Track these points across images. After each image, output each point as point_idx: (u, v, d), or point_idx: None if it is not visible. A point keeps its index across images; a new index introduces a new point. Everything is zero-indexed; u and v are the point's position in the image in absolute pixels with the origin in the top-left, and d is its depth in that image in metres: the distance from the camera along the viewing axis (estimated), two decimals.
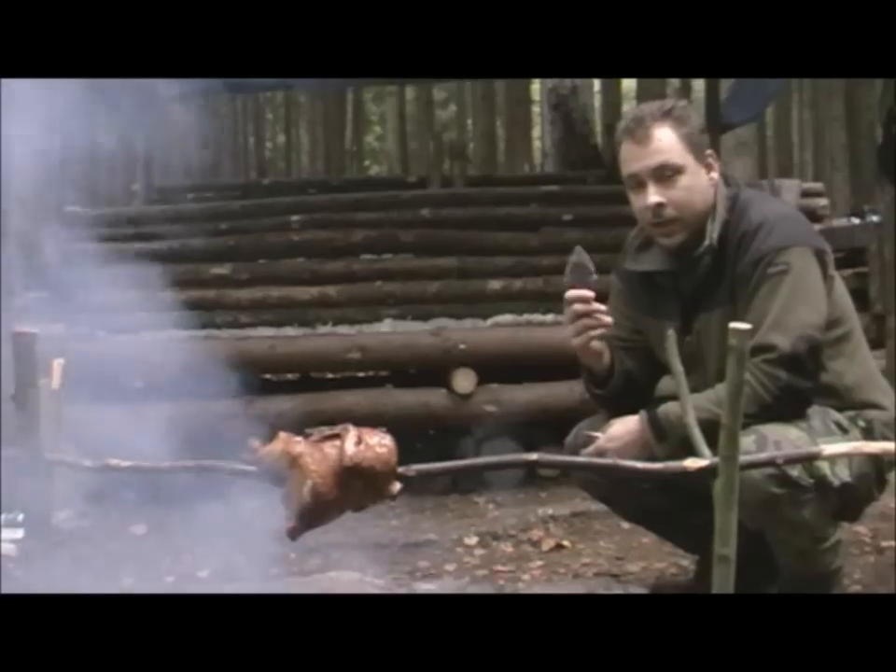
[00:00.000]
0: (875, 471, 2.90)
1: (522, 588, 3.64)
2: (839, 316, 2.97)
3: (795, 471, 2.69)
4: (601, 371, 3.09)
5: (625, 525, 4.10)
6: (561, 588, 3.56)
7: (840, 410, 2.92)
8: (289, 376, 6.51)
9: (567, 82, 9.02)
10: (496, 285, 6.03)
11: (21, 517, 3.79)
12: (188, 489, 3.12)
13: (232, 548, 3.88)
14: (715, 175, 2.99)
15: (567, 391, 5.30)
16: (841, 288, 3.03)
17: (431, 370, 5.66)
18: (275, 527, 2.22)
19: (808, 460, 2.58)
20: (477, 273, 6.12)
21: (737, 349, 1.85)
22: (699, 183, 2.95)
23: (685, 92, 20.63)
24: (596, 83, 18.85)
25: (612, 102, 20.82)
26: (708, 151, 3.00)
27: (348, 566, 3.76)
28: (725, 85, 7.19)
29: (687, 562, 3.65)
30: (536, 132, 23.28)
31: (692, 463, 1.96)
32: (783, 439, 2.71)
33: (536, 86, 17.36)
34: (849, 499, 2.87)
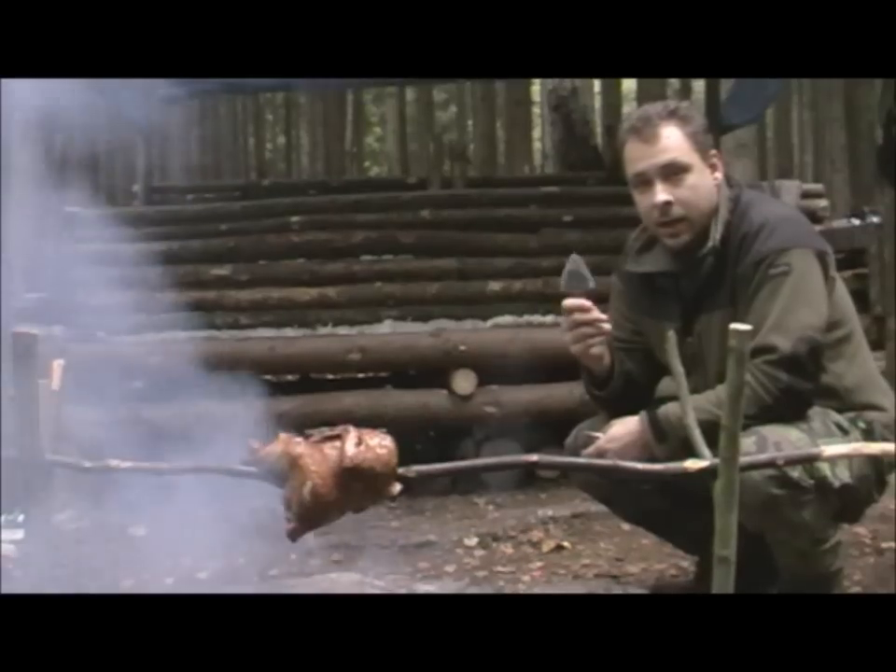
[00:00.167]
0: (875, 473, 2.90)
1: (522, 589, 3.64)
2: (840, 318, 2.97)
3: (796, 472, 2.69)
4: (601, 372, 3.09)
5: (625, 526, 4.10)
6: (561, 589, 3.56)
7: (840, 411, 2.91)
8: (289, 377, 6.51)
9: (568, 84, 9.03)
10: (496, 286, 6.03)
11: (21, 518, 3.79)
12: (188, 490, 3.12)
13: (232, 549, 3.88)
14: (719, 175, 2.99)
15: (567, 392, 5.30)
16: (842, 290, 3.02)
17: (431, 371, 5.66)
18: (275, 528, 2.22)
19: (808, 461, 2.58)
20: (477, 275, 6.12)
21: (737, 350, 1.85)
22: (705, 182, 2.95)
23: (685, 94, 20.65)
24: (596, 85, 18.86)
25: (612, 103, 20.81)
26: (713, 151, 3.00)
27: (348, 567, 3.76)
28: (725, 86, 7.19)
29: (687, 563, 3.64)
30: (536, 133, 23.29)
31: (692, 464, 1.96)
32: (783, 440, 2.70)
33: (536, 87, 17.36)
34: (849, 501, 2.87)
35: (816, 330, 2.83)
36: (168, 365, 4.56)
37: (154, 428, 4.49)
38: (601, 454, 2.96)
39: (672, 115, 2.94)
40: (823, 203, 7.83)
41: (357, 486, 2.06)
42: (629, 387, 3.10)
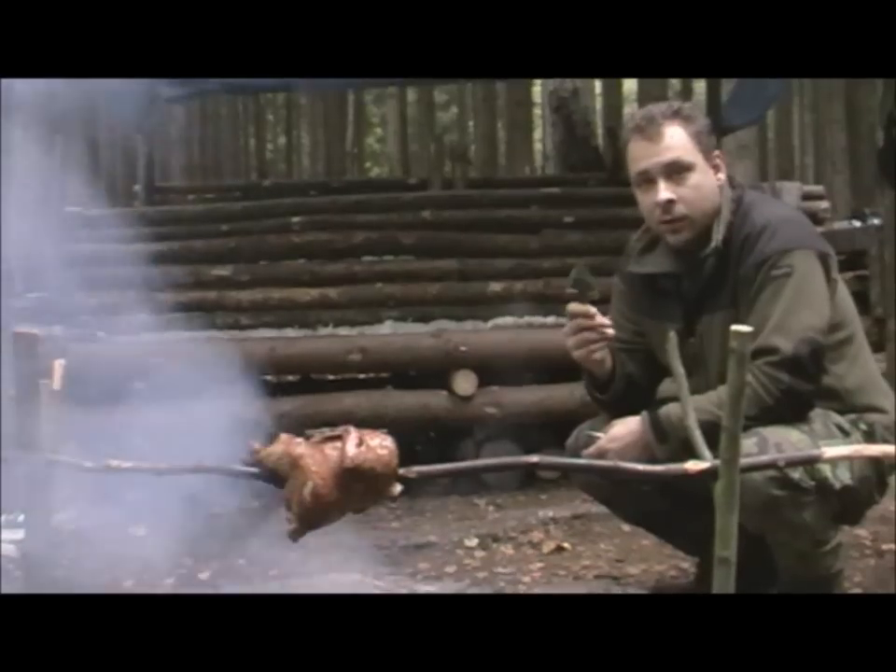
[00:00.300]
0: (875, 475, 2.90)
1: (522, 590, 3.64)
2: (841, 320, 2.97)
3: (797, 474, 2.69)
4: (603, 375, 3.09)
5: (626, 527, 4.10)
6: (561, 590, 3.56)
7: (841, 413, 2.91)
8: (290, 378, 6.51)
9: (569, 85, 9.03)
10: (496, 287, 6.03)
11: (21, 518, 3.78)
12: (188, 490, 3.12)
13: (233, 549, 3.87)
14: (722, 175, 3.00)
15: (568, 393, 5.30)
16: (844, 292, 3.02)
17: (432, 371, 5.66)
18: (276, 529, 2.22)
19: (809, 463, 2.57)
20: (478, 276, 6.12)
21: (738, 352, 1.85)
22: (708, 182, 2.95)
23: (686, 95, 20.66)
24: (598, 86, 18.87)
25: (613, 104, 20.84)
26: (716, 152, 3.00)
27: (349, 567, 3.75)
28: (726, 88, 7.19)
29: (687, 564, 3.64)
30: (537, 134, 23.31)
31: (692, 465, 1.96)
32: (784, 441, 2.70)
33: (537, 88, 17.37)
34: (850, 502, 2.87)
35: (817, 332, 2.83)
36: (168, 365, 4.56)
37: (154, 428, 4.49)
38: (602, 454, 2.96)
39: (676, 114, 2.94)
40: (824, 204, 7.85)
41: (358, 487, 2.06)
42: (630, 389, 3.10)
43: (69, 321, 5.30)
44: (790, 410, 2.79)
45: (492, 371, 5.56)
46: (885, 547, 3.82)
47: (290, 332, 5.88)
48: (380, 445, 2.07)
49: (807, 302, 2.83)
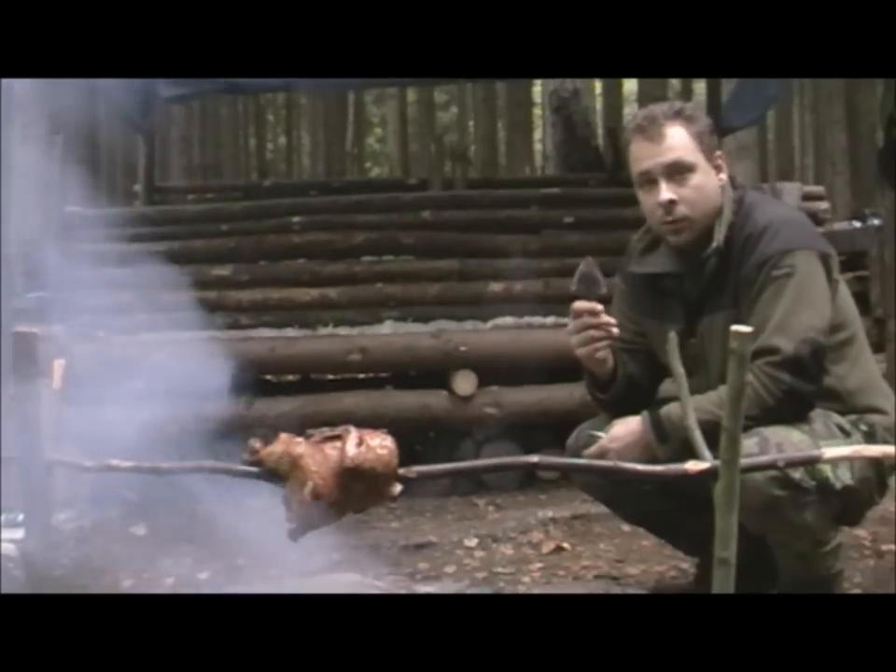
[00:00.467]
0: (876, 475, 2.90)
1: (522, 590, 3.64)
2: (843, 321, 2.97)
3: (797, 473, 2.69)
4: (604, 375, 3.09)
5: (626, 527, 4.10)
6: (561, 590, 3.56)
7: (842, 414, 2.91)
8: (290, 377, 6.50)
9: (569, 85, 9.03)
10: (496, 287, 6.02)
11: (21, 517, 3.78)
12: (188, 490, 3.12)
13: (233, 549, 3.87)
14: (724, 176, 3.00)
15: (568, 394, 5.30)
16: (845, 292, 3.02)
17: (432, 372, 5.66)
18: (276, 529, 2.21)
19: (809, 464, 2.57)
20: (478, 276, 6.11)
21: (738, 352, 1.85)
22: (709, 183, 2.95)
23: (686, 96, 20.64)
24: (598, 86, 18.87)
25: (614, 105, 20.83)
26: (718, 153, 3.00)
27: (348, 567, 3.75)
28: (726, 88, 7.19)
29: (687, 565, 3.64)
30: (537, 134, 23.28)
31: (692, 466, 1.96)
32: (785, 441, 2.70)
33: (537, 88, 17.37)
34: (851, 503, 2.87)
35: (818, 332, 2.83)
36: (168, 365, 4.55)
37: (154, 428, 4.49)
38: (603, 453, 2.96)
39: (678, 115, 2.94)
40: (824, 205, 7.83)
41: (358, 487, 2.06)
42: (631, 389, 3.10)
43: (69, 321, 5.30)
44: (791, 410, 2.79)
45: (492, 371, 5.56)
46: (884, 548, 3.82)
47: (290, 332, 5.87)
48: (380, 445, 2.07)
49: (809, 303, 2.83)
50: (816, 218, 6.71)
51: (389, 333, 5.82)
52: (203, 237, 6.39)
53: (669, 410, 2.88)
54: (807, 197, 7.88)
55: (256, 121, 27.99)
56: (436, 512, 5.13)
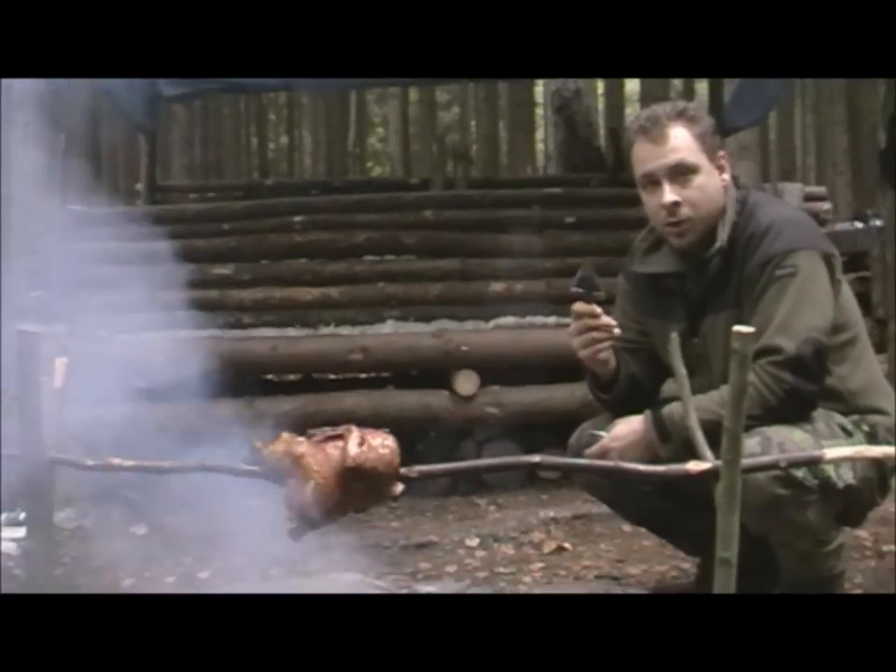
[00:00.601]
0: (877, 476, 2.90)
1: (523, 590, 3.64)
2: (845, 321, 2.97)
3: (800, 472, 2.69)
4: (607, 375, 3.09)
5: (627, 527, 4.10)
6: (562, 590, 3.56)
7: (844, 414, 2.91)
8: (291, 377, 6.50)
9: (571, 85, 9.03)
10: (498, 287, 6.02)
11: (22, 516, 3.78)
12: (189, 489, 3.12)
13: (233, 549, 3.87)
14: (727, 176, 3.00)
15: (569, 394, 5.31)
16: (848, 293, 3.02)
17: (433, 371, 5.66)
18: (277, 528, 2.21)
19: (810, 464, 2.57)
20: (479, 275, 6.11)
21: (740, 353, 1.85)
22: (712, 183, 2.95)
23: (688, 96, 20.65)
24: (600, 86, 18.87)
25: (616, 105, 20.86)
26: (721, 153, 3.00)
27: (349, 567, 3.75)
28: (728, 89, 7.19)
29: (688, 565, 3.64)
30: (539, 134, 23.28)
31: (694, 466, 1.96)
32: (787, 440, 2.70)
33: (539, 88, 17.36)
34: (852, 503, 2.87)
35: (821, 332, 2.83)
36: (170, 364, 4.56)
37: (156, 427, 4.49)
38: (604, 452, 2.96)
39: (681, 115, 2.94)
40: (826, 205, 7.84)
41: (360, 486, 2.06)
42: (634, 389, 3.10)
43: (71, 319, 5.30)
44: (793, 410, 2.79)
45: (493, 370, 5.56)
46: (885, 548, 3.82)
47: (292, 331, 5.87)
48: (382, 445, 2.07)
49: (811, 303, 2.83)
50: (817, 219, 6.69)
51: (391, 333, 5.82)
52: (205, 236, 6.38)
53: (671, 409, 2.88)
54: (809, 197, 7.89)
55: (257, 120, 28.01)
56: (437, 512, 5.13)
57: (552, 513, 4.61)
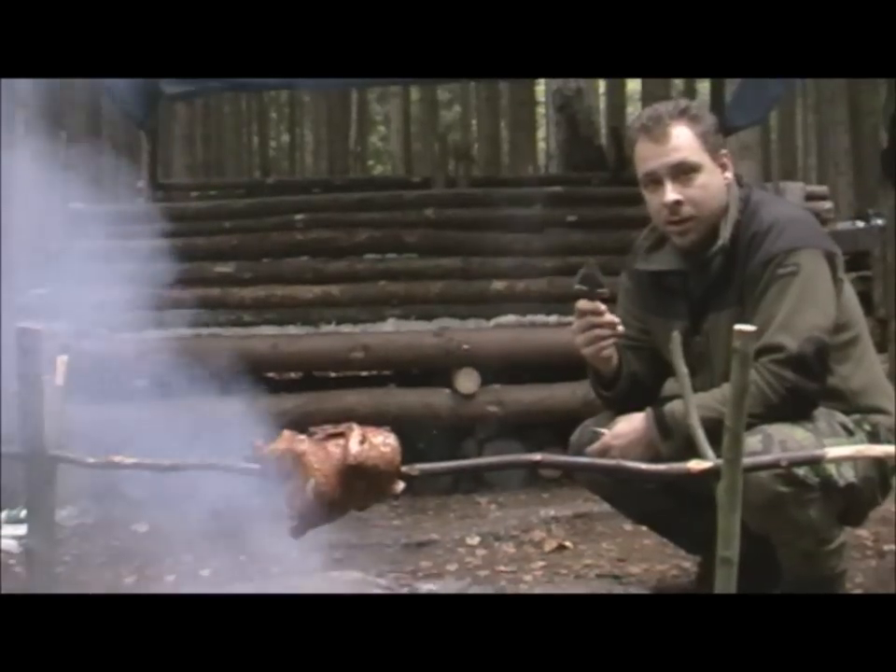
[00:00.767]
0: (879, 475, 2.90)
1: (523, 589, 3.64)
2: (847, 320, 2.97)
3: (801, 471, 2.69)
4: (609, 373, 3.09)
5: (628, 526, 4.10)
6: (563, 589, 3.56)
7: (846, 414, 2.91)
8: (292, 375, 6.50)
9: (572, 84, 9.03)
10: (499, 285, 6.02)
11: (23, 513, 3.78)
12: (190, 487, 3.12)
13: (234, 547, 3.88)
14: (729, 174, 3.00)
15: (570, 392, 5.30)
16: (850, 292, 3.02)
17: (434, 370, 5.66)
18: (278, 526, 2.22)
19: (811, 463, 2.57)
20: (480, 274, 6.11)
21: (741, 352, 1.85)
22: (715, 182, 2.95)
23: (690, 96, 20.63)
24: (601, 86, 18.87)
25: (617, 104, 20.85)
26: (723, 151, 3.00)
27: (350, 565, 3.76)
28: (730, 88, 7.19)
29: (689, 564, 3.64)
30: (540, 133, 23.27)
31: (695, 465, 1.96)
32: (789, 439, 2.71)
33: (540, 88, 17.37)
34: (854, 502, 2.87)
35: (823, 331, 2.83)
36: (171, 362, 4.56)
37: (156, 425, 4.49)
38: (606, 450, 2.96)
39: (683, 114, 2.94)
40: (827, 205, 7.83)
41: (361, 484, 2.06)
42: (636, 387, 3.11)
43: (72, 317, 5.30)
44: (794, 408, 2.79)
45: (494, 369, 5.56)
46: (886, 548, 3.82)
47: (293, 329, 5.87)
48: (383, 443, 2.07)
49: (813, 301, 2.83)
50: (819, 218, 6.69)
51: (392, 331, 5.82)
52: (206, 234, 6.39)
53: (673, 407, 2.88)
54: (810, 197, 7.89)
55: (259, 119, 28.03)
56: (438, 510, 5.13)
57: (553, 512, 4.61)
